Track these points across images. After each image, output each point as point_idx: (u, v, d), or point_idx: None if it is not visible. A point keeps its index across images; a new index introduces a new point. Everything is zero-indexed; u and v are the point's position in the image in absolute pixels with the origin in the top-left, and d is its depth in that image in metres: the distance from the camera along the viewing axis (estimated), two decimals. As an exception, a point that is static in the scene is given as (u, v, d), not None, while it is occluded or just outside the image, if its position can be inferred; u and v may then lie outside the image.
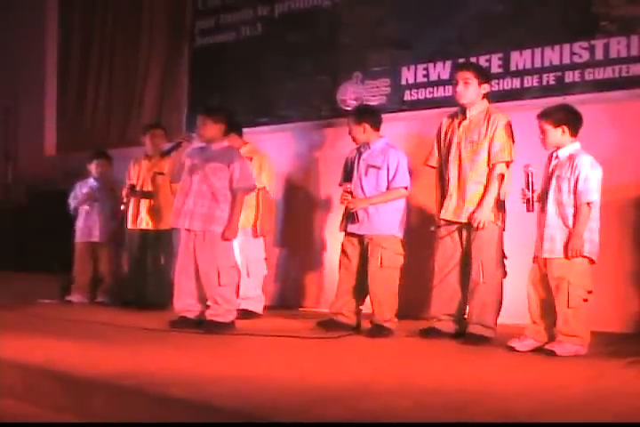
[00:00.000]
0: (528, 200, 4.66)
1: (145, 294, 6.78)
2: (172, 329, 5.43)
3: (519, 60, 6.11)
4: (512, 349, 4.66)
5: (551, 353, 4.47)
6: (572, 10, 5.91)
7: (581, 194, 4.50)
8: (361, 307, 5.59)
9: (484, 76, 5.21)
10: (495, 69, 6.21)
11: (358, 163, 5.49)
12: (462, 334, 5.13)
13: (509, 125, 5.03)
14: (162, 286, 6.61)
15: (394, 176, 5.39)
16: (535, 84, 6.04)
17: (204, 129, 5.58)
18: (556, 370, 4.15)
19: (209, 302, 5.51)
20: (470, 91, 5.09)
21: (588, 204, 4.51)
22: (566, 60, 5.89)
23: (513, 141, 5.03)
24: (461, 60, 6.29)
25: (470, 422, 3.02)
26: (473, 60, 6.28)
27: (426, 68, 6.61)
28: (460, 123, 5.14)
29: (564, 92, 5.83)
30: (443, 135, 5.25)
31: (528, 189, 4.66)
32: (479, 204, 4.98)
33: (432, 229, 5.30)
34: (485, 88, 5.13)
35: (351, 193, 5.42)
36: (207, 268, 5.44)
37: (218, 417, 3.14)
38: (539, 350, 4.59)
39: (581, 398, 3.45)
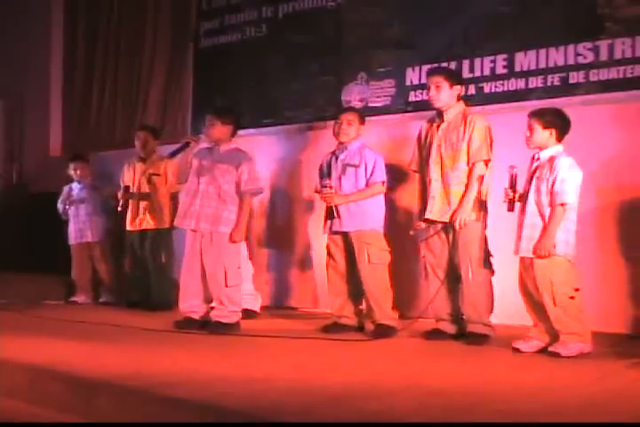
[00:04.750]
0: (510, 200, 4.74)
1: (150, 294, 6.80)
2: (177, 330, 5.44)
3: (524, 60, 6.11)
4: (517, 350, 4.66)
5: (556, 355, 4.47)
6: (576, 11, 5.91)
7: (556, 195, 4.52)
8: (360, 307, 5.61)
9: (455, 78, 5.27)
10: (500, 70, 6.22)
11: (336, 164, 5.58)
12: (463, 335, 5.15)
13: (486, 126, 5.07)
14: (165, 284, 6.64)
15: (372, 173, 5.48)
16: (540, 84, 6.04)
17: (211, 129, 5.60)
18: (561, 371, 4.15)
19: (214, 303, 5.51)
20: (443, 94, 5.14)
21: (562, 205, 4.52)
22: (571, 61, 5.89)
23: (491, 141, 5.06)
24: (466, 61, 6.31)
25: (475, 423, 3.01)
26: (477, 60, 6.30)
27: (429, 70, 6.58)
28: (438, 126, 5.20)
29: (569, 92, 5.83)
30: (423, 139, 5.32)
31: (511, 189, 4.72)
32: (460, 203, 5.03)
33: (411, 232, 5.37)
34: (458, 89, 5.18)
35: (331, 187, 5.48)
36: (214, 269, 5.45)
37: (222, 417, 3.14)
38: (543, 351, 4.59)
39: (586, 399, 3.45)
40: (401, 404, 3.28)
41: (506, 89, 6.20)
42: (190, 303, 5.58)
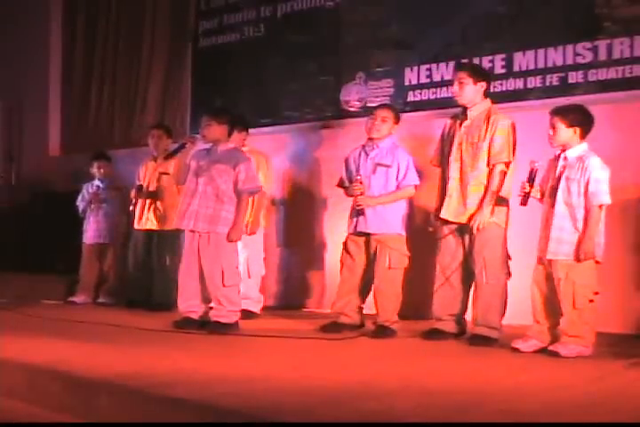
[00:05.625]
0: (525, 194, 4.67)
1: (151, 294, 6.80)
2: (176, 330, 5.44)
3: (522, 60, 6.12)
4: (516, 350, 4.66)
5: (555, 354, 4.47)
6: (574, 11, 5.92)
7: (593, 196, 4.47)
8: (362, 305, 5.60)
9: (480, 74, 5.18)
10: (498, 70, 6.23)
11: (365, 161, 5.50)
12: (463, 335, 5.15)
13: (510, 126, 5.01)
14: (167, 286, 6.62)
15: (405, 175, 5.40)
16: (538, 84, 6.05)
17: (208, 130, 5.60)
18: (560, 371, 4.15)
19: (212, 303, 5.52)
20: (466, 91, 5.08)
21: (600, 206, 4.49)
22: (569, 61, 5.90)
23: (514, 142, 5.01)
24: (464, 61, 6.31)
25: (475, 423, 3.02)
26: (476, 60, 6.29)
27: (429, 69, 6.62)
28: (461, 123, 5.13)
29: (568, 92, 5.83)
30: (445, 136, 5.26)
31: (529, 183, 4.67)
32: (479, 205, 4.98)
33: (430, 229, 5.32)
34: (482, 86, 5.10)
35: (362, 183, 5.40)
36: (211, 269, 5.45)
37: (222, 417, 3.14)
38: (542, 351, 4.59)
39: (584, 399, 3.45)
40: (400, 404, 3.28)
41: (504, 89, 6.21)
42: (189, 303, 5.58)
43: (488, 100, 5.16)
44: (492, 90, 6.14)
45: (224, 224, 5.46)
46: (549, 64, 5.99)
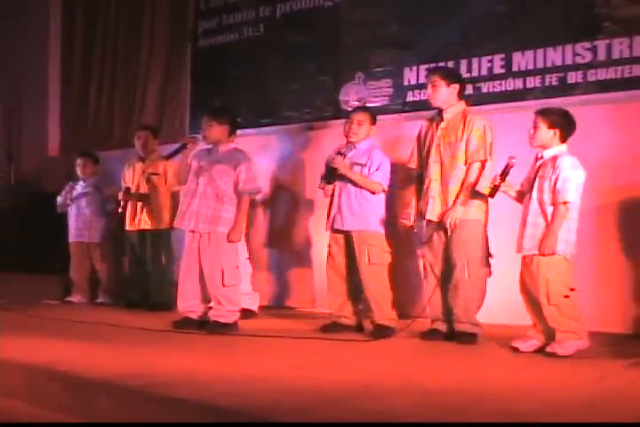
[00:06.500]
0: (494, 186, 4.75)
1: (149, 294, 6.80)
2: (176, 330, 5.44)
3: (521, 60, 6.12)
4: (516, 349, 4.67)
5: (553, 355, 4.48)
6: (574, 10, 5.92)
7: (559, 193, 4.54)
8: (359, 307, 5.60)
9: (452, 76, 5.25)
10: (497, 70, 6.23)
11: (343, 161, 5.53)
12: (453, 333, 5.15)
13: (485, 126, 5.05)
14: (164, 285, 6.64)
15: (375, 171, 5.44)
16: (537, 84, 6.04)
17: (209, 130, 5.60)
18: (559, 371, 4.15)
19: (212, 303, 5.52)
20: (440, 93, 5.14)
21: (565, 203, 4.53)
22: (569, 61, 5.89)
23: (490, 142, 5.04)
24: (464, 61, 6.32)
25: (474, 423, 3.02)
26: (475, 60, 6.30)
27: (428, 69, 6.59)
28: (437, 125, 5.20)
29: (567, 92, 5.84)
30: (422, 138, 5.31)
31: (500, 176, 4.73)
32: (454, 202, 5.03)
33: (415, 230, 5.31)
34: (455, 88, 5.16)
35: (344, 155, 5.44)
36: (211, 268, 5.45)
37: (222, 417, 3.15)
38: (542, 351, 4.59)
39: (585, 399, 3.46)
40: (400, 404, 3.28)
41: (504, 89, 6.21)
42: (188, 303, 5.58)
43: (463, 102, 5.22)
44: (491, 90, 6.20)
45: (224, 224, 5.46)
46: (548, 64, 5.99)
